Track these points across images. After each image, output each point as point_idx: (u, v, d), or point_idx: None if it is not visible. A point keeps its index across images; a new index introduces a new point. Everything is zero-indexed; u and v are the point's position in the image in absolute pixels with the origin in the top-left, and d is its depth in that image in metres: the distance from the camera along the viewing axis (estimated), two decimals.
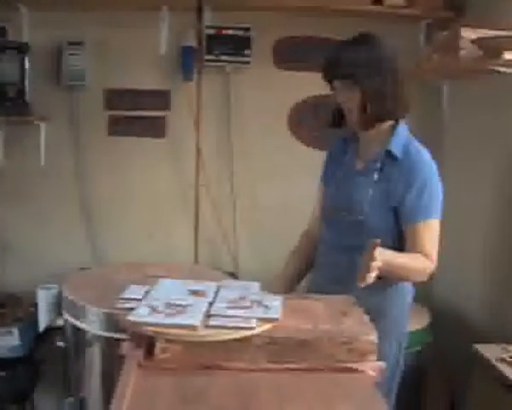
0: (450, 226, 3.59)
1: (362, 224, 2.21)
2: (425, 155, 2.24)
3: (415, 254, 2.17)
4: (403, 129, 2.27)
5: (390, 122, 2.26)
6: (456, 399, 3.21)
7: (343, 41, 2.28)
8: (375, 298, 2.09)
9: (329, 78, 2.24)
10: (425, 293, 3.60)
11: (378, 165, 2.23)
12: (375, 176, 2.22)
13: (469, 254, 3.37)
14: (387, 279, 2.17)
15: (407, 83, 2.26)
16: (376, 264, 1.96)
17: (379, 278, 2.02)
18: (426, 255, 2.17)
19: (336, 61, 2.21)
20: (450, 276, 3.58)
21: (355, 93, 2.19)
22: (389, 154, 2.22)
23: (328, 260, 2.36)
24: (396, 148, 2.21)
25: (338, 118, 2.32)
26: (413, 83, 3.59)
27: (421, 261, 2.17)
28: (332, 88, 2.27)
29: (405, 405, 2.96)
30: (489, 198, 3.19)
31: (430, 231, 2.19)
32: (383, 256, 2.00)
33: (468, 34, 2.85)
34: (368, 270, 1.95)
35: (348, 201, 2.25)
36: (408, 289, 2.35)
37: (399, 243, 2.22)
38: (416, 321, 3.14)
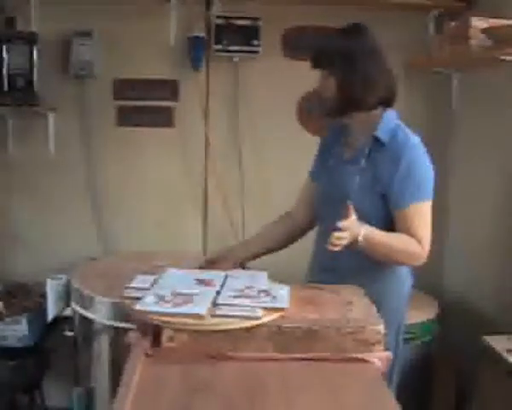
0: (459, 217, 3.61)
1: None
2: (412, 138, 2.25)
3: (403, 235, 2.18)
4: (391, 116, 2.29)
5: (377, 110, 2.28)
6: (465, 390, 3.20)
7: (330, 31, 2.40)
8: (373, 287, 2.09)
9: (313, 66, 2.31)
10: (434, 284, 3.61)
11: (365, 152, 2.25)
12: (362, 162, 2.25)
13: (479, 245, 3.36)
14: (382, 266, 2.23)
15: (394, 73, 2.31)
16: (347, 225, 1.99)
17: (371, 262, 2.12)
18: (416, 239, 2.17)
19: (315, 51, 2.31)
20: (459, 267, 3.58)
21: (331, 82, 2.25)
22: (376, 140, 2.24)
23: (322, 249, 2.35)
24: (383, 133, 2.23)
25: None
26: (423, 72, 3.62)
27: (408, 243, 2.17)
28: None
29: (414, 395, 2.97)
30: (499, 188, 3.18)
31: (419, 215, 2.20)
32: (364, 230, 2.05)
33: (479, 24, 2.83)
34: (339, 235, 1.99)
35: (338, 189, 2.27)
36: (406, 278, 2.36)
37: (392, 230, 2.22)
38: (425, 312, 3.13)
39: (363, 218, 2.11)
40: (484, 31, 2.80)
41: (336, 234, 1.99)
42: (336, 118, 2.37)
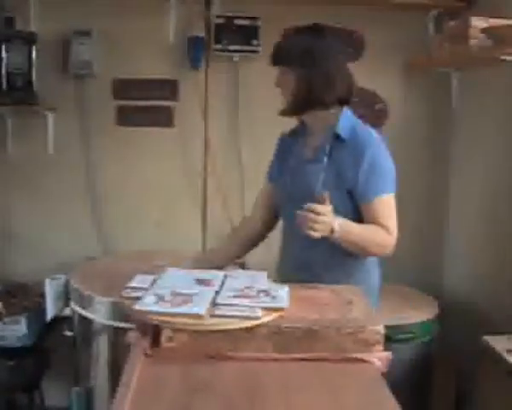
0: (459, 217, 3.61)
1: None
2: (372, 134, 2.27)
3: (373, 225, 2.21)
4: (348, 113, 2.32)
5: (334, 109, 2.30)
6: (465, 390, 3.20)
7: (291, 30, 2.42)
8: (347, 282, 2.13)
9: (272, 62, 2.33)
10: (434, 284, 3.61)
11: (326, 150, 2.27)
12: (325, 161, 2.26)
13: (479, 245, 3.36)
14: (353, 260, 2.27)
15: (350, 73, 2.34)
16: (323, 210, 2.02)
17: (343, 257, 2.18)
18: (384, 230, 2.20)
19: (275, 47, 2.34)
20: (459, 267, 3.58)
21: (289, 79, 2.27)
22: (336, 137, 2.26)
23: (291, 250, 2.41)
24: (343, 130, 2.26)
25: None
26: (422, 72, 3.62)
27: (379, 233, 2.20)
28: None
29: (413, 395, 2.96)
30: (499, 188, 3.17)
31: (385, 207, 2.23)
32: (339, 221, 2.08)
33: (479, 23, 2.82)
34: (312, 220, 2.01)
35: (302, 189, 2.28)
36: (373, 270, 2.39)
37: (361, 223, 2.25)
38: (425, 312, 3.13)
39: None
40: (484, 30, 2.79)
41: (312, 216, 2.01)
42: (292, 116, 2.39)
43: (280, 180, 2.46)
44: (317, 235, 2.04)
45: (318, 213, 2.02)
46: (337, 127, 2.26)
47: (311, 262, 2.28)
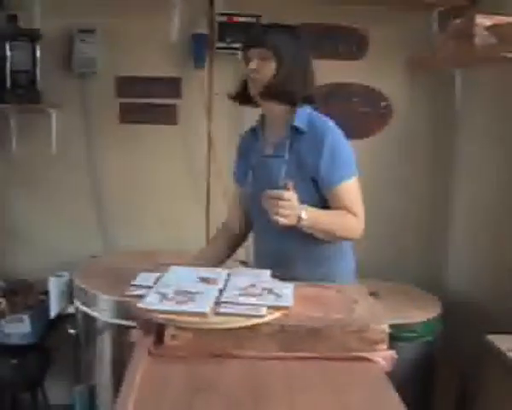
0: (462, 216, 3.60)
1: None
2: (329, 122, 2.30)
3: (340, 211, 2.24)
4: (304, 108, 2.32)
5: (289, 107, 2.32)
6: (468, 390, 3.20)
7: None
8: (322, 270, 2.21)
9: (254, 44, 2.30)
10: (437, 282, 3.60)
11: (287, 144, 2.29)
12: (286, 154, 2.28)
13: (482, 244, 3.35)
14: (327, 247, 2.29)
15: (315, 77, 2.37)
16: (288, 196, 2.04)
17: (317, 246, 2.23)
18: (352, 214, 2.23)
19: (264, 31, 2.35)
20: (462, 266, 3.57)
21: (270, 65, 2.25)
22: (295, 129, 2.28)
23: (264, 247, 2.43)
24: (300, 122, 2.28)
25: (242, 92, 2.41)
26: (426, 70, 3.61)
27: (347, 218, 2.23)
28: (246, 57, 2.33)
29: (416, 395, 2.96)
30: (502, 187, 3.16)
31: (350, 192, 2.25)
32: (306, 209, 2.10)
33: (483, 21, 2.81)
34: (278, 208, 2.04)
35: (267, 184, 2.27)
36: (349, 256, 2.42)
37: None
38: (428, 311, 3.12)
39: None
40: (488, 28, 2.78)
41: (278, 202, 2.04)
42: (260, 103, 2.37)
43: (245, 180, 2.47)
44: (284, 221, 2.06)
45: (283, 199, 2.04)
46: (294, 120, 2.28)
47: (285, 255, 2.30)
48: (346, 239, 2.34)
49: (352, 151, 2.30)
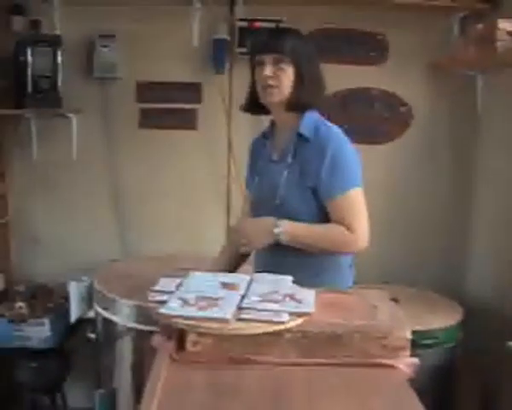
0: (483, 222, 3.57)
1: (280, 208, 2.23)
2: (334, 130, 2.26)
3: (330, 224, 2.20)
4: (312, 114, 2.29)
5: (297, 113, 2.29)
6: (489, 397, 3.17)
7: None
8: (316, 281, 2.11)
9: (269, 49, 2.24)
10: (457, 289, 3.58)
11: (291, 149, 2.27)
12: (289, 159, 2.26)
13: (504, 250, 3.32)
14: (322, 259, 2.25)
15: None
16: (252, 229, 2.19)
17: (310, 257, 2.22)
18: (348, 227, 2.17)
19: (277, 36, 2.28)
20: (483, 271, 3.54)
21: (287, 71, 2.22)
22: (300, 136, 2.25)
23: (262, 253, 2.38)
24: (306, 130, 2.25)
25: (252, 102, 2.38)
26: (447, 74, 3.58)
27: (335, 232, 2.19)
28: (256, 63, 2.30)
29: (438, 401, 2.93)
30: None
31: (349, 203, 2.20)
32: (284, 227, 2.14)
33: (505, 26, 2.80)
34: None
35: (268, 190, 2.28)
36: (346, 269, 2.37)
37: (328, 223, 2.24)
38: (449, 317, 3.10)
39: (294, 213, 2.19)
40: (510, 33, 2.77)
41: (242, 234, 2.17)
42: (271, 110, 2.35)
43: (252, 184, 2.46)
44: (256, 246, 2.17)
45: (240, 230, 2.14)
46: (300, 127, 2.26)
47: (280, 265, 2.21)
48: (336, 252, 2.27)
49: (356, 161, 2.25)
